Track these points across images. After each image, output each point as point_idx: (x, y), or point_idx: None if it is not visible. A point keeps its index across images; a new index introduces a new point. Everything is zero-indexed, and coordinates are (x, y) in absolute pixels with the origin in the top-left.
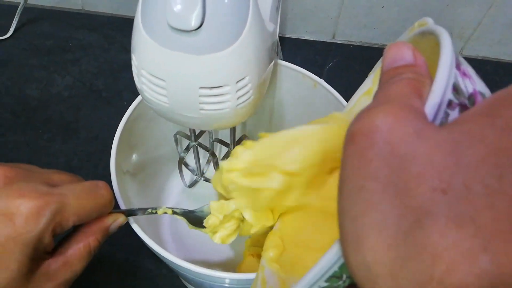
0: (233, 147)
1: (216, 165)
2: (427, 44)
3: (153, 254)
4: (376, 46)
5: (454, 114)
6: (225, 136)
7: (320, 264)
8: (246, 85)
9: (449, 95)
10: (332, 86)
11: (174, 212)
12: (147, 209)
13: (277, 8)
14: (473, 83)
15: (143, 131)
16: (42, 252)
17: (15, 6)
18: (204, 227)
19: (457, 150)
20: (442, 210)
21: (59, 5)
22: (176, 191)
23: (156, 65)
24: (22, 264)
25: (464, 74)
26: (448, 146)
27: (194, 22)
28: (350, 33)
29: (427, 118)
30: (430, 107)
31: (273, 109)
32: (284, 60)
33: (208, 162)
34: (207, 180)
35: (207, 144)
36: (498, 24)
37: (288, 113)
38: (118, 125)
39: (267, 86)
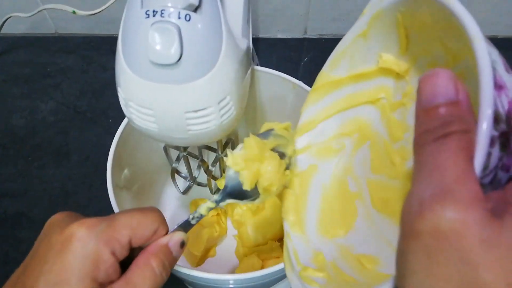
0: (221, 152)
1: (207, 171)
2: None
3: None
4: None
5: (495, 152)
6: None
7: None
8: (228, 103)
9: (492, 133)
10: (309, 81)
11: (217, 201)
12: (193, 217)
13: (248, 21)
14: (506, 92)
15: (134, 146)
16: (107, 278)
17: None
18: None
19: None
20: None
21: (32, 32)
22: (171, 199)
23: (142, 97)
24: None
25: (500, 87)
26: None
27: (173, 57)
28: (320, 27)
29: (485, 203)
30: (478, 167)
31: (256, 110)
32: (260, 60)
33: (198, 167)
34: (200, 184)
35: (195, 152)
36: None
37: (270, 111)
38: (107, 144)
39: (247, 96)
